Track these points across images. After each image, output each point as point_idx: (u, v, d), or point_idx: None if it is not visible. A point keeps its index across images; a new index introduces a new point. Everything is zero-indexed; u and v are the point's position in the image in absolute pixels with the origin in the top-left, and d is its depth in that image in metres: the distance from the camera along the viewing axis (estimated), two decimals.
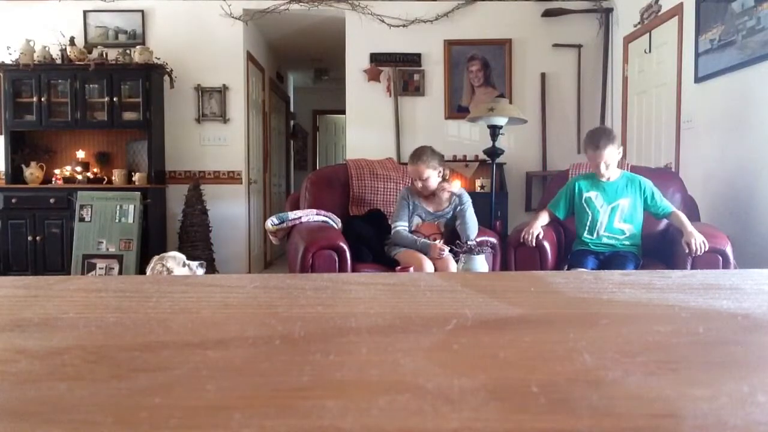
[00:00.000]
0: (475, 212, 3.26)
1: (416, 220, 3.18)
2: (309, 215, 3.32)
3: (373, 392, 0.24)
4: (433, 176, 3.12)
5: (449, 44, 5.30)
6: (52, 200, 4.81)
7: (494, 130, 4.01)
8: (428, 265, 2.97)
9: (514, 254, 3.30)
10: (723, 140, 3.60)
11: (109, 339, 0.32)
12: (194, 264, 2.65)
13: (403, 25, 5.28)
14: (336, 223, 3.36)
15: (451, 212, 3.20)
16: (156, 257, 2.63)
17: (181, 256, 2.62)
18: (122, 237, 4.66)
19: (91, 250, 4.62)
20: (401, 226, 3.14)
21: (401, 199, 3.20)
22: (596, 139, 3.02)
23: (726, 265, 2.89)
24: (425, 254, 3.01)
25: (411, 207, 3.17)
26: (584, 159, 3.27)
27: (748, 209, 3.38)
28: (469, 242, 2.85)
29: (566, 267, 3.12)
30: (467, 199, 3.18)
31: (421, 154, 3.13)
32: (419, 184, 3.13)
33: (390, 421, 0.21)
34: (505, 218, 4.77)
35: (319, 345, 0.30)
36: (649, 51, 4.50)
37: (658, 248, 3.15)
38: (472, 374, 0.26)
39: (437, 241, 3.13)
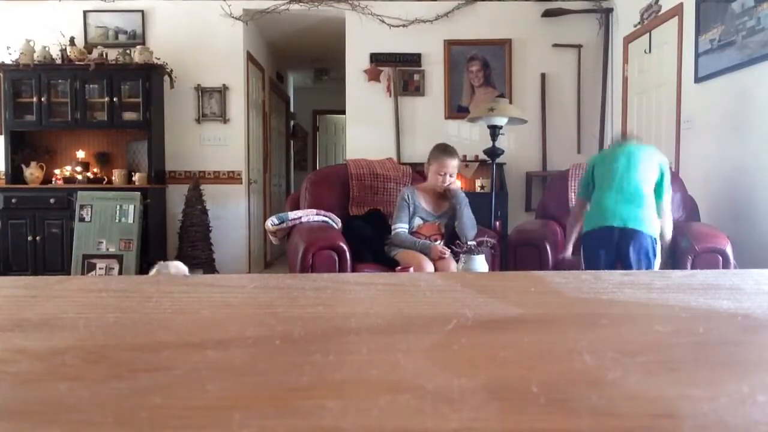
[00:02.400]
0: (475, 212, 3.26)
1: (417, 221, 3.18)
2: (309, 215, 3.33)
3: (373, 392, 0.24)
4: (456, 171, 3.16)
5: (449, 44, 5.30)
6: (52, 200, 4.81)
7: (494, 130, 4.01)
8: (428, 266, 2.97)
9: (514, 254, 3.30)
10: (723, 140, 3.60)
11: (109, 339, 0.32)
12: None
13: (403, 25, 5.28)
14: (336, 223, 3.36)
15: (452, 212, 3.20)
16: (159, 263, 2.61)
17: (183, 269, 2.59)
18: (122, 237, 4.66)
19: (91, 250, 4.62)
20: (401, 228, 3.12)
21: (401, 200, 3.18)
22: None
23: (726, 265, 2.89)
24: (426, 255, 3.01)
25: (412, 208, 3.16)
26: (584, 159, 3.27)
27: (748, 209, 3.38)
28: (469, 242, 2.85)
29: None
30: (464, 198, 3.16)
31: (450, 148, 3.16)
32: (445, 179, 3.10)
33: (390, 421, 0.21)
34: (505, 218, 4.77)
35: (319, 345, 0.30)
36: (649, 51, 4.50)
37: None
38: (472, 374, 0.26)
39: (437, 242, 3.13)
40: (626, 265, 2.80)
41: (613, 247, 2.82)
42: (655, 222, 2.87)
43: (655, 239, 2.84)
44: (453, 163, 3.10)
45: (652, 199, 2.88)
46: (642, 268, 2.76)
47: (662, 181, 2.90)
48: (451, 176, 3.10)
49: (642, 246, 2.78)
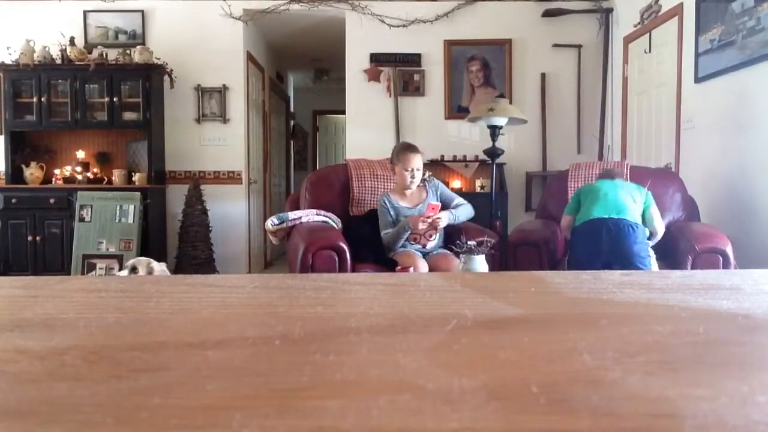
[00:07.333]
0: (476, 212, 3.29)
1: None
2: (309, 215, 3.32)
3: (373, 392, 0.24)
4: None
5: (449, 44, 5.30)
6: (52, 200, 4.80)
7: (494, 130, 4.01)
8: (425, 267, 2.98)
9: (514, 254, 3.30)
10: (723, 140, 3.60)
11: (109, 339, 0.32)
12: (158, 267, 2.70)
13: (403, 25, 5.28)
14: (336, 223, 3.36)
15: (435, 200, 3.21)
16: (131, 261, 2.71)
17: (146, 261, 2.67)
18: (122, 237, 4.66)
19: (91, 250, 4.62)
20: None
21: (381, 208, 3.21)
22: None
23: (726, 265, 2.89)
24: (411, 232, 3.05)
25: (393, 212, 3.18)
26: (584, 159, 3.31)
27: (748, 209, 3.38)
28: (469, 243, 2.85)
29: None
30: (438, 182, 3.36)
31: (413, 145, 3.26)
32: (413, 175, 3.17)
33: (390, 421, 0.21)
34: (505, 218, 4.77)
35: (319, 345, 0.30)
36: (649, 51, 4.50)
37: (659, 248, 3.15)
38: (472, 374, 0.26)
39: (434, 238, 3.13)
40: (621, 254, 2.85)
41: (604, 240, 2.90)
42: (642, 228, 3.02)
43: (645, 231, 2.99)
44: (417, 159, 3.18)
45: (638, 216, 3.03)
46: (640, 252, 2.86)
47: (647, 209, 3.06)
48: (418, 170, 3.18)
49: (636, 236, 2.89)
